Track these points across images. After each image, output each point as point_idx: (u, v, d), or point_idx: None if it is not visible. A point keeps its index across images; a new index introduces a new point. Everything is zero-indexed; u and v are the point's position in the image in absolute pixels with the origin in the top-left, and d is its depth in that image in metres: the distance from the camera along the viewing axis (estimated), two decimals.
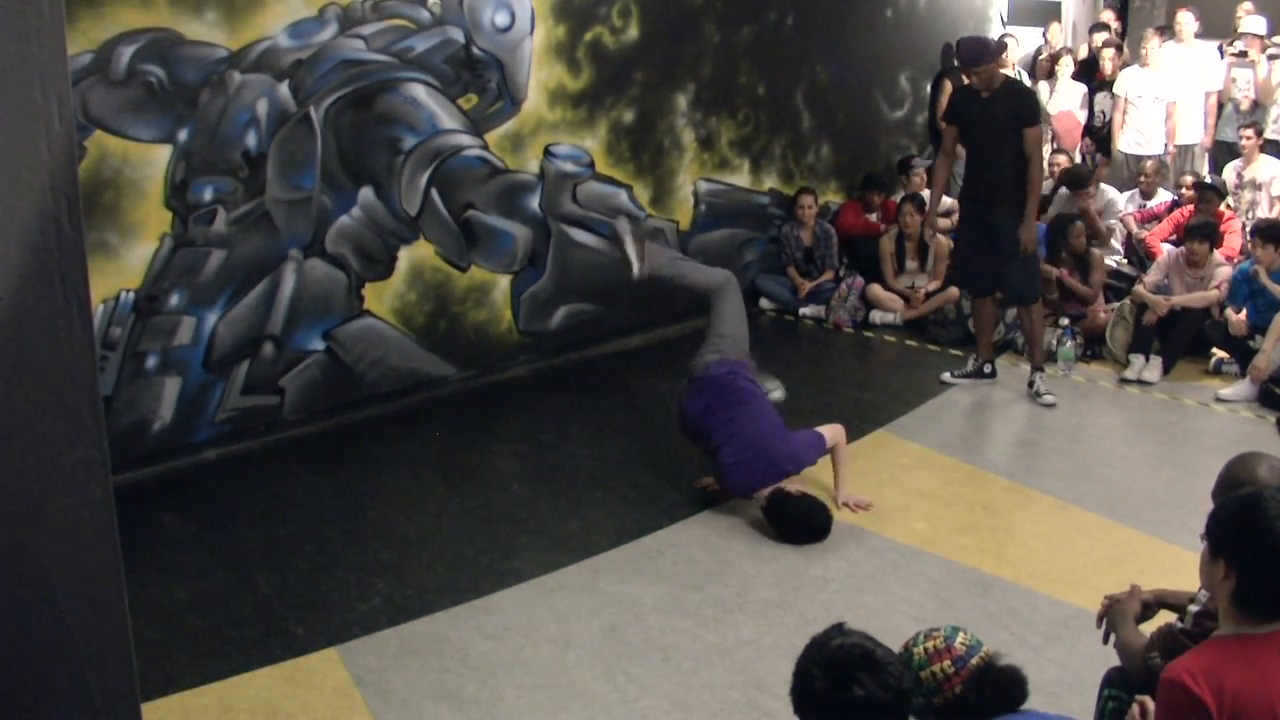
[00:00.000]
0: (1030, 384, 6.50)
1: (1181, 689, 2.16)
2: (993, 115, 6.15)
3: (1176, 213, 7.96)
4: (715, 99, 7.67)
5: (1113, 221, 8.10)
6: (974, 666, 2.34)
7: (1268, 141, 8.13)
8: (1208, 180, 8.06)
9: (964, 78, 6.48)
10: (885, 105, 9.09)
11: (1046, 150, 8.94)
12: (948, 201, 8.61)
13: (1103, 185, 8.27)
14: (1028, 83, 9.22)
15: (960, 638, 2.37)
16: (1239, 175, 8.03)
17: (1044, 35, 10.03)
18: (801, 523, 4.79)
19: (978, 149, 6.34)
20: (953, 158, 6.72)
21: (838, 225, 8.38)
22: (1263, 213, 7.80)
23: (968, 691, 2.33)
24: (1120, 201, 8.23)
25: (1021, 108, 6.19)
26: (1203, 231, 7.00)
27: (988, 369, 6.69)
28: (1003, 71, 6.53)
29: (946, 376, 6.72)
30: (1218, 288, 6.90)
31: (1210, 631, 2.37)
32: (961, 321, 7.46)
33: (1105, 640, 3.02)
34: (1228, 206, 7.94)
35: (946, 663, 2.33)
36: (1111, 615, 3.01)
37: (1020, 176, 6.18)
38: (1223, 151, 8.76)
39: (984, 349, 6.69)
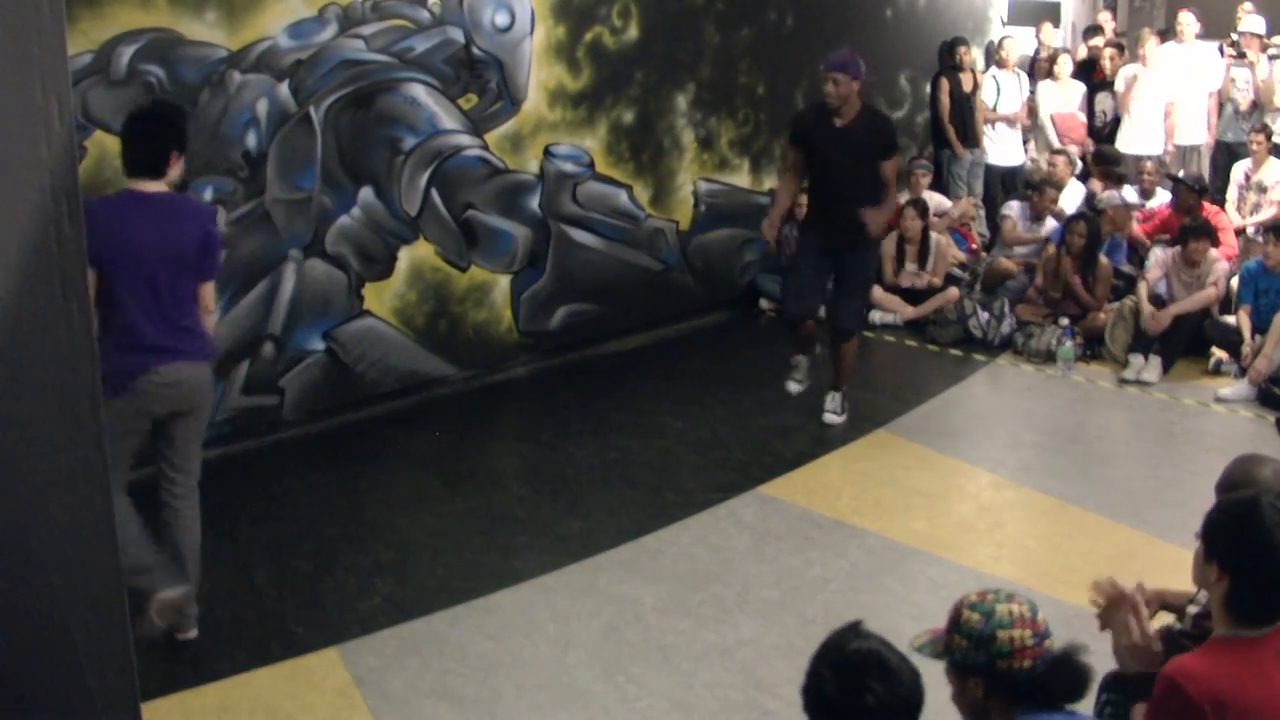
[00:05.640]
0: (823, 402, 6.05)
1: (1175, 690, 2.16)
2: (847, 143, 5.64)
3: (1161, 208, 7.94)
4: (715, 99, 7.67)
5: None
6: (1049, 647, 2.29)
7: (1275, 146, 8.11)
8: (1180, 176, 8.02)
9: (828, 92, 5.69)
10: (885, 105, 9.07)
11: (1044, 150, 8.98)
12: (946, 204, 8.64)
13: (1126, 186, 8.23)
14: (1027, 83, 9.21)
15: (1040, 614, 2.33)
16: (1246, 177, 8.03)
17: (1036, 35, 9.98)
18: None
19: (827, 176, 5.78)
20: (798, 178, 6.01)
21: None
22: (1265, 215, 7.79)
23: (1038, 668, 2.27)
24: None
25: (882, 136, 5.77)
26: (1203, 230, 7.00)
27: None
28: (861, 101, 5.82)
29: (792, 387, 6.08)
30: (1214, 284, 6.90)
31: (1209, 632, 2.36)
32: (961, 321, 7.45)
33: (1102, 628, 3.01)
34: (1232, 206, 7.94)
35: (1029, 632, 2.28)
36: (1107, 617, 2.99)
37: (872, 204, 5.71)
38: (1222, 152, 8.74)
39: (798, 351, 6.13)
